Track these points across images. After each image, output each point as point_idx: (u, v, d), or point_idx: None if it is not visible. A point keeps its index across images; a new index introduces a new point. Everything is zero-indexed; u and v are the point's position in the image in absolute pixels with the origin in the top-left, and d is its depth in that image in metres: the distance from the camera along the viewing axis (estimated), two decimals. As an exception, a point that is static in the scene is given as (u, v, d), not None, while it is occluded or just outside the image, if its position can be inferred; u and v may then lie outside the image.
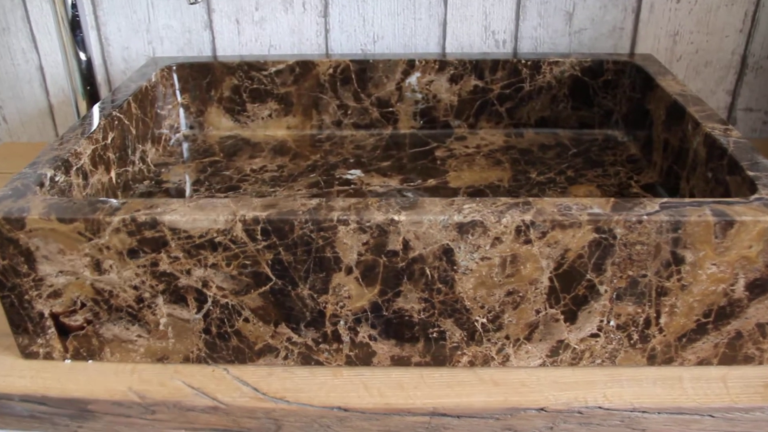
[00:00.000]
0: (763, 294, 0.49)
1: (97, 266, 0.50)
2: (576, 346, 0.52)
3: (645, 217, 0.47)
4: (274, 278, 0.49)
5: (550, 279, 0.49)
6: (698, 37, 0.80)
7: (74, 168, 0.58)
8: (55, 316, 0.52)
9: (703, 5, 0.79)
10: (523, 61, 0.77)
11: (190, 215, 0.48)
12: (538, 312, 0.50)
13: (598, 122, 0.79)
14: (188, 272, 0.50)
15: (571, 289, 0.49)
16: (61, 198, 0.51)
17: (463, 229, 0.47)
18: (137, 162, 0.70)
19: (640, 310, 0.50)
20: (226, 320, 0.52)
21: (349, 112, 0.80)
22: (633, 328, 0.51)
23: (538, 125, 0.80)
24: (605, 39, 0.81)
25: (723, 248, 0.48)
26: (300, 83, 0.79)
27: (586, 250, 0.48)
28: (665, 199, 0.49)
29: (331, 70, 0.78)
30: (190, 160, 0.75)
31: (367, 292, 0.50)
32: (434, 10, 0.80)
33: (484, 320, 0.51)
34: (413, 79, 0.78)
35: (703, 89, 0.83)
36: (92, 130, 0.62)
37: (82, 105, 0.75)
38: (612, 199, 0.49)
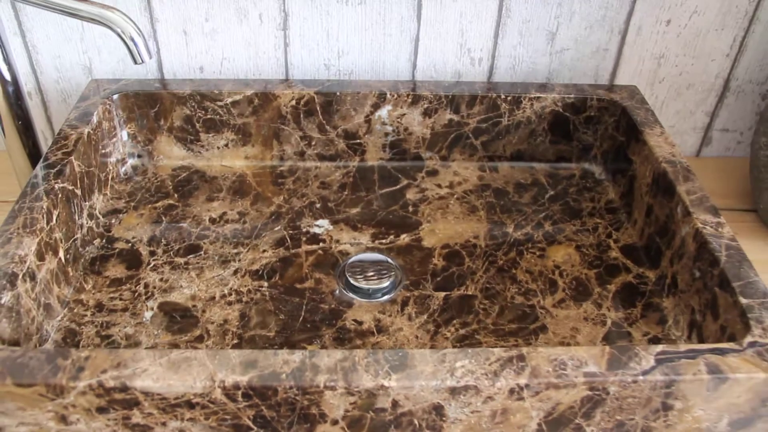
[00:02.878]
0: (745, 428, 0.50)
1: (63, 419, 0.46)
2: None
3: (641, 377, 0.46)
4: (255, 428, 0.47)
5: (539, 424, 0.48)
6: (683, 60, 0.76)
7: (20, 276, 0.53)
8: (17, 455, 0.49)
9: (692, 29, 0.74)
10: (503, 96, 0.72)
11: (164, 380, 0.44)
12: (524, 447, 0.50)
13: (576, 156, 0.76)
14: (164, 424, 0.47)
15: (557, 430, 0.49)
16: (13, 351, 0.46)
17: (455, 391, 0.45)
18: (85, 223, 0.64)
19: (624, 443, 0.50)
20: (203, 458, 0.49)
21: (313, 143, 0.74)
22: (616, 456, 0.51)
23: (513, 158, 0.76)
24: (587, 59, 0.76)
25: (713, 398, 0.47)
26: (259, 114, 0.72)
27: (578, 403, 0.47)
28: (660, 349, 0.47)
29: (293, 102, 0.71)
30: (141, 205, 0.69)
31: (353, 437, 0.48)
32: (406, 26, 0.73)
33: (470, 454, 0.50)
34: (383, 112, 0.72)
35: (682, 110, 0.80)
36: (34, 218, 0.56)
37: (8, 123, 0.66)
38: (606, 350, 0.47)
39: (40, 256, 0.56)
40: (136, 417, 0.46)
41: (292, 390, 0.44)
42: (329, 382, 0.45)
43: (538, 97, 0.72)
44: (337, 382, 0.45)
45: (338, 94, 0.71)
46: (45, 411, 0.45)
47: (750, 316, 0.50)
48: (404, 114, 0.72)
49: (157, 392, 0.44)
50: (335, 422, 0.47)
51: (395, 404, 0.46)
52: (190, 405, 0.45)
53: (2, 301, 0.50)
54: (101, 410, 0.45)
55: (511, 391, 0.46)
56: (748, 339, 0.49)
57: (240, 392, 0.44)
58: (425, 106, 0.72)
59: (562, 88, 0.73)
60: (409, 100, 0.72)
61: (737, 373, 0.46)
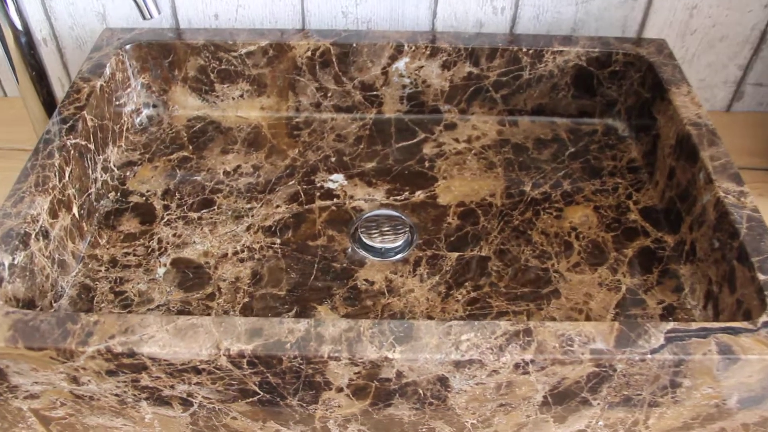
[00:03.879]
0: (755, 405, 0.49)
1: (74, 380, 0.47)
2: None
3: (649, 356, 0.45)
4: (261, 393, 0.48)
5: (544, 397, 0.48)
6: (717, 11, 0.72)
7: (33, 235, 0.53)
8: (34, 411, 0.51)
9: (730, -22, 0.70)
10: (525, 50, 0.69)
11: (170, 347, 0.45)
12: (528, 416, 0.50)
13: (599, 111, 0.73)
14: (172, 387, 0.47)
15: (563, 403, 0.49)
16: (25, 314, 0.47)
17: (460, 365, 0.45)
18: (99, 177, 0.64)
19: (630, 416, 0.50)
20: (213, 417, 0.51)
21: (330, 94, 0.72)
22: (620, 427, 0.51)
23: (534, 113, 0.74)
24: (615, 9, 0.72)
25: (723, 377, 0.47)
26: (274, 65, 0.70)
27: (584, 378, 0.47)
28: (671, 327, 0.47)
29: (309, 53, 0.69)
30: (156, 157, 0.69)
31: (358, 403, 0.49)
32: (426, -27, 0.70)
33: (474, 421, 0.51)
34: (401, 64, 0.70)
35: (714, 63, 0.76)
36: (46, 176, 0.56)
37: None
38: (615, 326, 0.47)
39: (53, 214, 0.56)
40: (145, 380, 0.47)
41: (297, 360, 0.45)
42: (333, 353, 0.45)
43: (561, 51, 0.69)
44: (341, 353, 0.45)
45: (355, 45, 0.69)
46: (57, 372, 0.46)
47: (766, 294, 0.49)
48: (422, 66, 0.70)
49: (164, 358, 0.45)
50: (340, 389, 0.47)
51: (400, 375, 0.46)
52: (197, 371, 0.46)
53: (15, 262, 0.51)
54: (111, 373, 0.46)
55: (517, 366, 0.45)
56: (763, 318, 0.48)
57: (245, 360, 0.45)
58: (444, 58, 0.70)
59: (587, 41, 0.70)
60: (428, 52, 0.69)
61: (749, 354, 0.45)
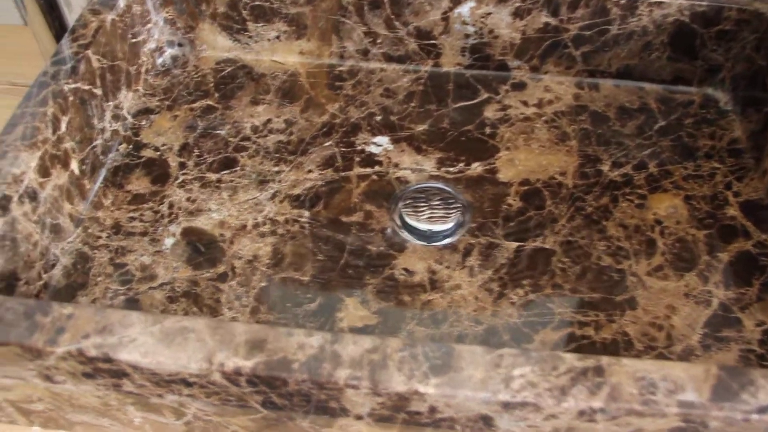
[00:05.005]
0: None
1: (48, 378, 0.40)
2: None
3: (754, 416, 0.35)
4: (265, 411, 0.40)
5: (611, 445, 0.39)
6: None
7: (15, 199, 0.45)
8: (10, 401, 0.44)
9: None
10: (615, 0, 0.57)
11: (153, 355, 0.37)
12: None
13: (699, 78, 0.61)
14: (159, 396, 0.40)
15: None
16: (-11, 299, 0.39)
17: (509, 406, 0.36)
18: (108, 126, 0.56)
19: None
20: (212, 429, 0.43)
21: (379, 41, 0.62)
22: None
23: (619, 75, 0.62)
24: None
25: None
26: (316, 3, 0.60)
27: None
28: (786, 378, 0.36)
29: (356, -9, 0.59)
30: (177, 104, 0.60)
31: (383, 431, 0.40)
32: None
33: (522, 461, 0.42)
34: (465, 9, 0.59)
35: None
36: (36, 127, 0.48)
37: None
38: (712, 372, 0.36)
39: (44, 172, 0.48)
40: (128, 386, 0.39)
41: (306, 383, 0.36)
42: (351, 380, 0.36)
43: (660, 3, 0.57)
44: (360, 380, 0.36)
45: (410, -16, 0.58)
46: (26, 369, 0.39)
47: None
48: (490, 13, 0.59)
49: (146, 367, 0.37)
50: (359, 417, 0.39)
51: (433, 410, 0.37)
52: (187, 383, 0.38)
53: (-10, 231, 0.43)
54: (88, 375, 0.39)
55: (581, 413, 0.36)
56: None
57: (243, 378, 0.37)
58: (517, 5, 0.58)
59: (694, -9, 0.58)
60: (498, -4, 0.58)
61: None
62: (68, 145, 0.51)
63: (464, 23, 0.60)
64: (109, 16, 0.55)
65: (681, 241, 0.52)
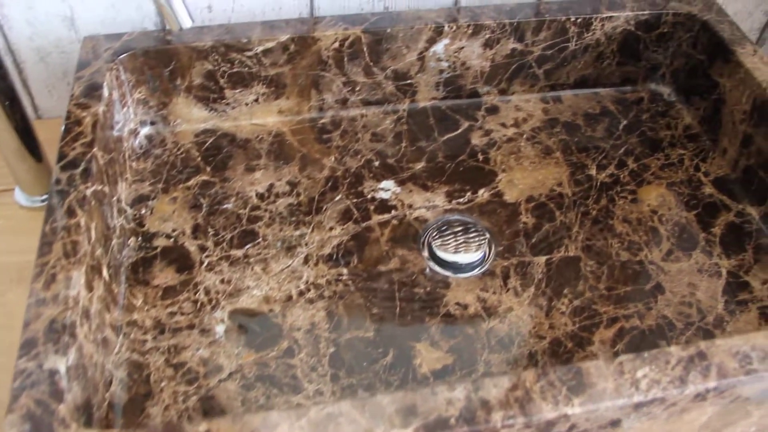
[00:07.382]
0: None
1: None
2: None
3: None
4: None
5: (709, 417, 0.44)
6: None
7: (78, 322, 0.43)
8: None
9: None
10: (573, 19, 0.62)
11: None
12: (689, 439, 0.46)
13: (643, 77, 0.68)
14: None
15: (724, 418, 0.45)
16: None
17: (640, 405, 0.40)
18: (117, 223, 0.53)
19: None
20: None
21: (358, 88, 0.63)
22: (776, 431, 0.48)
23: (576, 85, 0.67)
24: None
25: None
26: (296, 62, 0.60)
27: (757, 392, 0.42)
28: None
29: (336, 44, 0.60)
30: (171, 186, 0.58)
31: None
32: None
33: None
34: (440, 47, 0.62)
35: (741, 11, 0.73)
36: (75, 241, 0.45)
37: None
38: (794, 336, 0.42)
39: (90, 287, 0.45)
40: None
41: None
42: (506, 420, 0.38)
43: (611, 17, 0.63)
44: (515, 418, 0.38)
45: (389, 31, 0.60)
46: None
47: None
48: (463, 47, 0.62)
49: (308, 461, 0.37)
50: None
51: (573, 427, 0.40)
52: (346, 465, 0.38)
53: (70, 363, 0.41)
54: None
55: (697, 395, 0.40)
56: None
57: (407, 448, 0.37)
58: (487, 36, 0.62)
59: (634, 3, 0.64)
60: (470, 31, 0.61)
61: None
62: (99, 251, 0.48)
63: (438, 60, 0.63)
64: (99, 108, 0.53)
65: (678, 224, 0.58)
